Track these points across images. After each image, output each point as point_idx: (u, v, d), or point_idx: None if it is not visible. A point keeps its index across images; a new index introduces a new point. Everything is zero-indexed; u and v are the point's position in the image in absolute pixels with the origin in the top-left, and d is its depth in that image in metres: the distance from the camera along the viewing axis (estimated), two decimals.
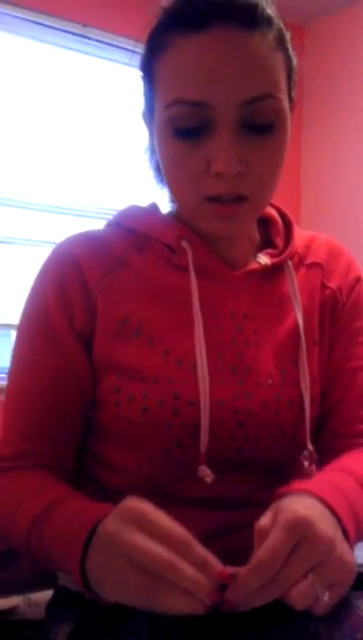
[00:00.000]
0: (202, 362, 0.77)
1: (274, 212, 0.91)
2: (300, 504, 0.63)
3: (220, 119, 0.70)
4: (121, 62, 3.14)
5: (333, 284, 0.89)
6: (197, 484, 0.77)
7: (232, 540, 0.77)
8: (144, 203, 0.89)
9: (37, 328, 0.81)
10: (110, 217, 0.88)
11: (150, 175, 0.90)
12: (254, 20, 0.70)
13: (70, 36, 2.97)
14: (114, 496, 0.68)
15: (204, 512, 0.79)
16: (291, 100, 0.77)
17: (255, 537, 0.62)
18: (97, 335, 0.79)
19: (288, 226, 0.90)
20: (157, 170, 0.87)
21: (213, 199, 0.74)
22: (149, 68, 0.76)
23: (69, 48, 3.03)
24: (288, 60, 0.75)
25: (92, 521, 0.65)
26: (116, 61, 3.15)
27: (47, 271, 0.82)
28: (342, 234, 0.95)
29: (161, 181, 0.88)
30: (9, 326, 2.85)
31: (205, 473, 0.76)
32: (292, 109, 0.78)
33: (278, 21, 0.73)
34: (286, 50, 0.74)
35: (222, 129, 0.70)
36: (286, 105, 0.75)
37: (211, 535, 0.73)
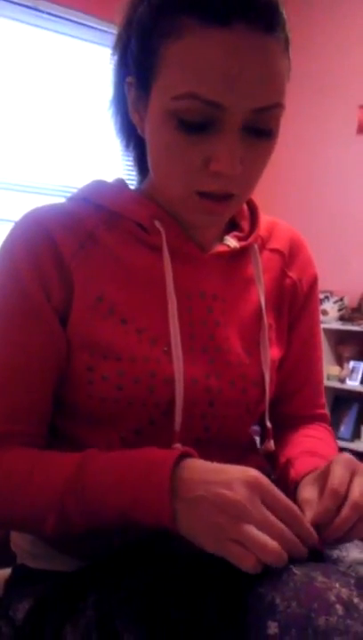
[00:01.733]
0: (176, 341, 0.78)
1: None
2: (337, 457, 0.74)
3: (230, 121, 0.69)
4: (74, 36, 3.08)
5: (293, 275, 0.93)
6: None
7: None
8: (109, 178, 0.86)
9: (15, 305, 0.77)
10: (64, 193, 0.86)
11: (112, 143, 0.88)
12: (273, 22, 0.68)
13: (23, 8, 2.90)
14: None
15: None
16: None
17: (302, 505, 0.71)
18: (73, 311, 0.77)
19: (253, 210, 0.91)
20: (122, 132, 0.86)
21: (204, 195, 0.74)
22: (150, 47, 0.71)
23: (21, 21, 2.97)
24: (290, 61, 0.73)
25: (165, 462, 0.66)
26: (70, 35, 3.09)
27: (18, 244, 0.77)
28: (288, 216, 0.97)
29: (127, 146, 0.87)
30: None
31: None
32: None
33: (287, 25, 0.71)
34: (289, 56, 0.73)
35: (230, 131, 0.69)
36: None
37: None
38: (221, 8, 0.65)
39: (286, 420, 0.97)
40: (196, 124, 0.69)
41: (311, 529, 0.65)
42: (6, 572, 0.92)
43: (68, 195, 0.86)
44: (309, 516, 0.69)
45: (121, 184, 0.86)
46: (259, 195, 0.92)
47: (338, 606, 0.57)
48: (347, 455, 0.75)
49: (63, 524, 0.71)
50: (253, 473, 0.63)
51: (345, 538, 0.69)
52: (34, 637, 0.75)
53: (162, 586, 0.66)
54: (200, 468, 0.65)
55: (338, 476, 0.71)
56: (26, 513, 0.73)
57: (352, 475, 0.71)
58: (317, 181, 3.78)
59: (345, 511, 0.68)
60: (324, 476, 0.73)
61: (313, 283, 0.96)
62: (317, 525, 0.68)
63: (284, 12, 0.70)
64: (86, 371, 0.77)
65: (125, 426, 0.78)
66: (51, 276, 0.76)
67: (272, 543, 0.60)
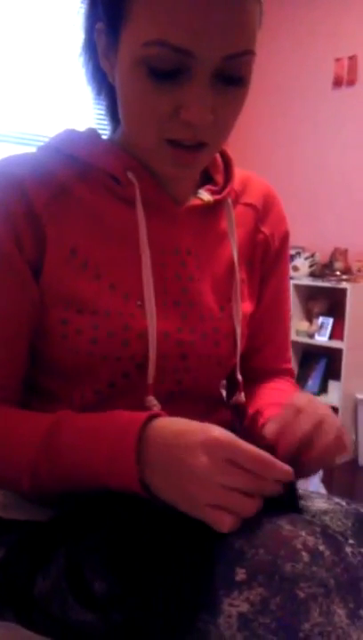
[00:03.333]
0: (150, 296, 0.78)
1: None
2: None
3: (199, 69, 0.68)
4: None
5: (266, 230, 0.93)
6: None
7: None
8: (81, 127, 0.84)
9: None
10: (33, 142, 0.84)
11: (83, 87, 0.85)
12: None
13: None
14: None
15: None
16: None
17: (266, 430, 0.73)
18: (46, 264, 0.76)
19: (227, 163, 0.90)
20: (93, 79, 0.84)
21: (174, 143, 0.73)
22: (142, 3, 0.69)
23: None
24: (261, 11, 0.72)
25: (133, 423, 0.66)
26: None
27: None
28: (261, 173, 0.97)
29: (98, 94, 0.85)
30: None
31: (152, 403, 0.78)
32: None
33: None
34: (260, 1, 0.71)
35: (200, 79, 0.68)
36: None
37: None
38: None
39: (253, 373, 0.98)
40: (166, 71, 0.68)
41: (285, 466, 0.64)
42: None
43: (39, 144, 0.84)
44: (270, 428, 0.72)
45: (93, 134, 0.84)
46: (232, 148, 0.91)
47: (304, 553, 0.59)
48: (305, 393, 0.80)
49: (37, 487, 0.71)
50: (213, 434, 0.63)
51: (310, 465, 0.71)
52: (4, 587, 0.76)
53: (131, 533, 0.67)
54: (164, 432, 0.65)
55: (296, 397, 0.76)
56: (1, 471, 0.74)
57: (310, 400, 0.76)
58: (291, 135, 3.74)
59: (301, 416, 0.72)
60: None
61: (285, 238, 0.96)
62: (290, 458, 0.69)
63: None
64: (60, 324, 0.77)
65: (98, 378, 0.79)
66: (22, 227, 0.75)
67: (245, 500, 0.61)
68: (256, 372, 0.99)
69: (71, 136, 0.82)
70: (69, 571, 0.68)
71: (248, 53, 0.70)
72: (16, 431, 0.73)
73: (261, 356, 0.99)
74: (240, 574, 0.59)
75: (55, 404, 0.81)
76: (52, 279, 0.76)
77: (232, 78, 0.70)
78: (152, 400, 0.78)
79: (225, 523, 0.61)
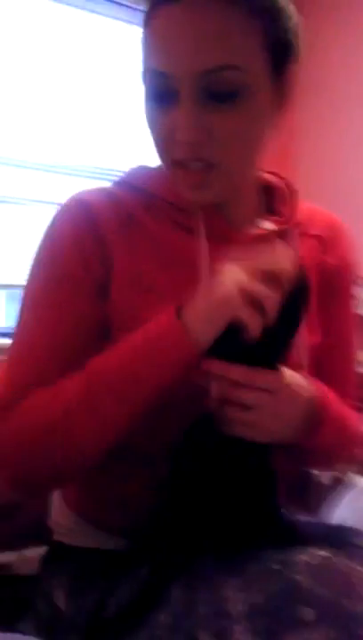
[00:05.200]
0: None
1: (279, 182, 0.91)
2: None
3: (181, 89, 0.72)
4: (122, 20, 3.07)
5: (332, 261, 0.91)
6: None
7: None
8: (153, 163, 0.87)
9: (55, 276, 0.79)
10: (108, 176, 0.89)
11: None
12: None
13: None
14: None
15: None
16: (280, 67, 0.76)
17: None
18: (113, 287, 0.79)
19: (293, 196, 0.91)
20: None
21: (180, 164, 0.76)
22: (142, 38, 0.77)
23: (71, 4, 2.97)
24: (272, 28, 0.73)
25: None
26: (117, 18, 3.08)
27: (62, 222, 0.81)
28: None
29: None
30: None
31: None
32: (284, 76, 0.77)
33: None
34: (268, 18, 0.72)
35: (183, 99, 0.72)
36: (259, 74, 0.73)
37: None
38: None
39: None
40: (160, 95, 0.74)
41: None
42: (42, 549, 0.94)
43: (113, 177, 0.89)
44: None
45: (160, 168, 0.86)
46: (299, 180, 0.91)
47: None
48: None
49: (95, 419, 0.71)
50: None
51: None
52: (71, 613, 0.76)
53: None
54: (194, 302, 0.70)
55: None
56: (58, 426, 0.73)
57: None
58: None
59: None
60: None
61: (351, 270, 0.94)
62: None
63: None
64: None
65: (163, 404, 0.77)
66: (91, 251, 0.78)
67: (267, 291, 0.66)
68: None
69: (141, 170, 0.87)
70: (136, 597, 0.69)
71: (229, 68, 0.70)
72: (63, 384, 0.74)
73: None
74: (307, 613, 0.58)
75: None
76: (118, 302, 0.78)
77: (221, 95, 0.71)
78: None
79: (256, 319, 0.66)
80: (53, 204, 0.84)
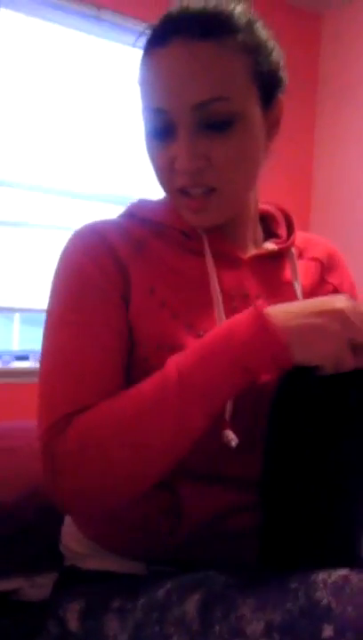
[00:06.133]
0: None
1: (275, 211, 0.97)
2: None
3: (178, 122, 0.78)
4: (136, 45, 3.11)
5: (334, 281, 0.96)
6: (213, 460, 0.79)
7: (241, 520, 0.79)
8: (153, 197, 0.93)
9: (82, 292, 0.80)
10: (118, 201, 0.90)
11: None
12: (207, 30, 0.76)
13: (84, 17, 2.95)
14: None
15: (218, 489, 0.80)
16: (269, 97, 0.82)
17: None
18: (132, 301, 0.81)
19: (289, 221, 0.96)
20: None
21: (182, 191, 0.81)
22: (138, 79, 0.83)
23: (82, 30, 3.01)
24: (259, 62, 0.79)
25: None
26: (130, 44, 3.12)
27: (78, 248, 0.83)
28: (353, 235, 0.97)
29: None
30: (12, 310, 2.85)
31: (230, 437, 0.76)
32: (273, 105, 0.83)
33: (249, 26, 0.79)
34: (253, 53, 0.78)
35: (181, 131, 0.78)
36: (249, 104, 0.79)
37: (224, 514, 0.78)
38: (160, 33, 0.78)
39: None
40: (158, 131, 0.80)
41: None
42: (52, 575, 0.93)
43: (118, 201, 0.92)
44: None
45: (162, 199, 0.91)
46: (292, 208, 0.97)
47: None
48: None
49: (180, 424, 0.71)
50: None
51: None
52: (83, 636, 0.76)
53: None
54: (282, 307, 0.72)
55: None
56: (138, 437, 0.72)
57: None
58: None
59: None
60: None
61: (353, 287, 0.99)
62: None
63: (242, 14, 0.79)
64: (143, 361, 0.79)
65: None
66: (110, 268, 0.81)
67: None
68: None
69: (144, 203, 0.91)
70: (147, 622, 0.69)
71: (220, 99, 0.76)
72: (132, 393, 0.74)
73: None
74: (328, 630, 0.58)
75: None
76: (136, 315, 0.80)
77: (216, 124, 0.77)
78: (230, 434, 0.77)
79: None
80: (59, 228, 0.85)
